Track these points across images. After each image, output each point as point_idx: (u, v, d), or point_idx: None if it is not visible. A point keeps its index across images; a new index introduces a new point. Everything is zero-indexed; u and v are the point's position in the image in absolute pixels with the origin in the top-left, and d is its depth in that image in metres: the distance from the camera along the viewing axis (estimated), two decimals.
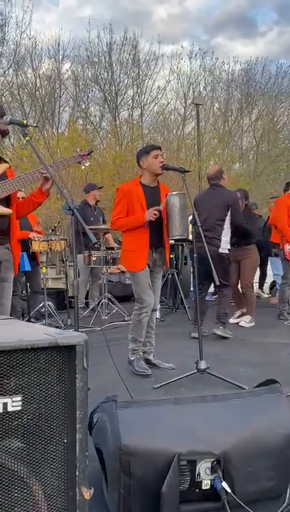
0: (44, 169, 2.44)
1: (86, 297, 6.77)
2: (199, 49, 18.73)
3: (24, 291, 5.75)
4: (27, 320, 5.45)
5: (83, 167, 2.76)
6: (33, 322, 5.51)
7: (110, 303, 6.03)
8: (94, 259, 5.85)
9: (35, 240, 5.22)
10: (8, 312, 2.58)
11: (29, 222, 5.59)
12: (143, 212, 3.43)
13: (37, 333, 1.17)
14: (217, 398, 1.87)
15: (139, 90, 17.17)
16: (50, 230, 5.94)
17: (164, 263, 3.66)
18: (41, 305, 5.62)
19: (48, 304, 5.56)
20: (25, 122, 2.42)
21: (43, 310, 5.56)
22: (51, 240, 5.27)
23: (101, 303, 5.94)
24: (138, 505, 1.66)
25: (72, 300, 6.52)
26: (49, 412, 1.12)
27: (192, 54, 18.41)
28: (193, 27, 26.85)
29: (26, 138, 2.45)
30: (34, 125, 2.56)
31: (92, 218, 6.13)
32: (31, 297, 5.58)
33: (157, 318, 5.84)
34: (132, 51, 16.95)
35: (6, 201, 2.45)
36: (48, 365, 1.12)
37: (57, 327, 5.30)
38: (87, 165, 2.71)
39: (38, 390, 1.11)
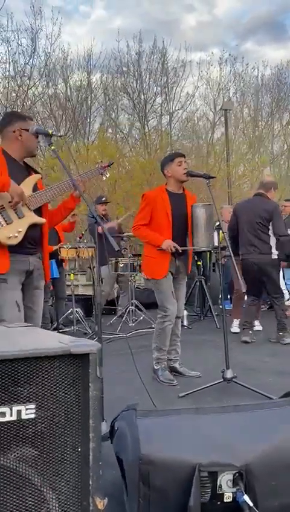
0: (71, 181, 2.48)
1: (110, 304, 6.81)
2: (230, 55, 18.59)
3: (53, 298, 5.84)
4: (56, 327, 5.53)
5: (104, 178, 2.81)
6: (61, 328, 5.58)
7: (137, 310, 6.03)
8: (121, 266, 5.89)
9: (63, 248, 5.31)
10: (40, 319, 2.62)
11: (58, 235, 5.66)
12: (167, 218, 3.48)
13: (52, 341, 1.18)
14: (239, 408, 1.83)
15: (167, 97, 17.24)
16: (78, 238, 6.01)
17: (186, 270, 3.66)
18: (69, 311, 5.69)
19: (76, 311, 5.63)
20: (50, 132, 2.47)
21: (71, 317, 5.63)
22: (79, 247, 5.34)
23: (128, 310, 5.95)
24: None
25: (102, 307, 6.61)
26: (62, 420, 1.12)
27: (222, 60, 18.37)
28: (223, 33, 26.75)
29: (52, 147, 2.51)
30: (59, 134, 2.60)
31: None
32: (57, 303, 5.65)
33: (184, 326, 5.84)
34: (160, 59, 17.07)
35: (39, 211, 2.51)
36: (62, 373, 1.12)
37: (84, 334, 5.35)
38: (108, 176, 2.77)
39: (51, 399, 1.11)
